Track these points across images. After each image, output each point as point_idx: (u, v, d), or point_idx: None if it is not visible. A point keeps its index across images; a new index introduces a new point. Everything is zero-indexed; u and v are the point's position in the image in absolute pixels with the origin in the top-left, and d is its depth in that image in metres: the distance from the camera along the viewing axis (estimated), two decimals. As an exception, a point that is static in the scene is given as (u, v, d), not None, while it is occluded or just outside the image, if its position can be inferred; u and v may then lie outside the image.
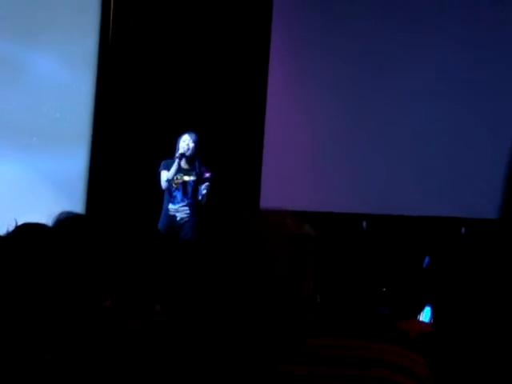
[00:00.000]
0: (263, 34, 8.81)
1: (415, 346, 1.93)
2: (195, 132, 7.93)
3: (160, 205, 7.95)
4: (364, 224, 8.30)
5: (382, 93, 8.49)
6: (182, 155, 7.76)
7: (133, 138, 8.80)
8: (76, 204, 8.51)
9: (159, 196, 8.00)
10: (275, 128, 8.81)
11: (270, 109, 8.80)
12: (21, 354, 2.24)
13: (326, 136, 8.70)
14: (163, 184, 7.84)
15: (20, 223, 2.71)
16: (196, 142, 7.81)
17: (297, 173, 8.73)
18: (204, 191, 7.80)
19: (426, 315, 2.60)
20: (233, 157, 8.79)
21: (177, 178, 7.82)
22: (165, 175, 7.83)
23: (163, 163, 7.91)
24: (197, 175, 7.83)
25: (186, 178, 7.82)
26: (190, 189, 7.82)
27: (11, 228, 2.66)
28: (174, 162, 7.79)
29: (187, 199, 7.83)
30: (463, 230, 7.82)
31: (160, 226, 7.75)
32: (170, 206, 7.86)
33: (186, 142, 7.80)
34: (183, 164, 7.84)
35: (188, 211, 7.80)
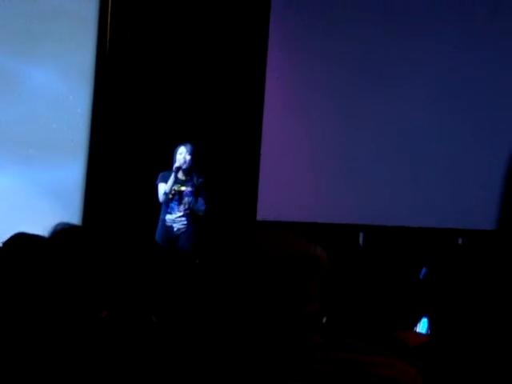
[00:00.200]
0: (260, 41, 8.82)
1: (413, 357, 1.93)
2: (192, 142, 7.93)
3: (157, 216, 7.95)
4: (361, 235, 8.29)
5: (380, 101, 8.48)
6: (179, 168, 7.77)
7: (130, 148, 8.80)
8: (73, 215, 8.50)
9: (156, 207, 8.00)
10: (272, 137, 8.80)
11: (267, 117, 8.80)
12: (17, 366, 2.23)
13: (323, 145, 8.70)
14: (161, 197, 7.84)
15: (15, 233, 2.71)
16: (192, 154, 7.82)
17: (293, 182, 8.73)
18: (203, 207, 7.81)
19: (422, 326, 2.60)
20: (230, 166, 8.79)
21: (174, 189, 7.82)
22: (162, 188, 7.84)
23: (161, 175, 7.92)
24: (194, 185, 7.83)
25: (183, 188, 7.82)
26: (186, 199, 7.83)
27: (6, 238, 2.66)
28: (171, 174, 7.80)
29: (184, 210, 7.83)
30: (460, 241, 7.82)
31: (157, 237, 7.75)
32: (167, 217, 7.86)
33: (182, 155, 7.80)
34: (180, 175, 7.84)
35: (185, 222, 7.80)
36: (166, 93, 8.88)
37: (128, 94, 8.84)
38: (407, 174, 8.42)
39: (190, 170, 7.84)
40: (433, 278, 1.88)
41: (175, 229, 7.80)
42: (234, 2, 8.86)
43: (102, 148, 8.79)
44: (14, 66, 8.85)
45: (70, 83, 8.90)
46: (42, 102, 8.85)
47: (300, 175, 8.72)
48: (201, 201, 7.88)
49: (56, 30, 8.81)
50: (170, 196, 7.82)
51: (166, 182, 7.84)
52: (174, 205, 7.83)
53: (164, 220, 7.87)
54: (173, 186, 7.80)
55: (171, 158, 7.90)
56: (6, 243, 2.63)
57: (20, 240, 2.53)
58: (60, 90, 8.89)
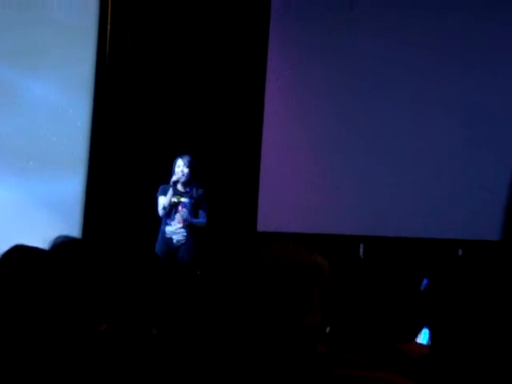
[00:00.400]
0: (260, 50, 8.82)
1: (415, 369, 1.92)
2: (191, 153, 7.93)
3: (157, 227, 7.95)
4: (361, 246, 8.28)
5: (380, 107, 8.46)
6: (176, 182, 7.77)
7: (129, 160, 8.81)
8: (72, 227, 8.49)
9: (156, 219, 8.00)
10: (272, 147, 8.80)
11: (266, 127, 8.79)
12: (17, 379, 2.22)
13: (322, 155, 8.68)
14: (160, 212, 7.85)
15: (14, 245, 2.70)
16: (190, 166, 7.81)
17: (293, 193, 8.71)
18: (203, 220, 7.81)
19: (423, 337, 2.59)
20: (229, 176, 8.79)
21: (173, 201, 7.82)
22: (162, 201, 7.84)
23: (161, 188, 7.92)
24: (193, 197, 7.83)
25: (182, 199, 7.82)
26: (186, 210, 7.82)
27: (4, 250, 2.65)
28: (170, 186, 7.81)
29: (183, 222, 7.82)
30: (460, 252, 7.81)
31: (157, 249, 7.75)
32: (167, 229, 7.86)
33: (180, 168, 7.80)
34: (179, 187, 7.84)
35: (185, 233, 7.80)
36: (165, 103, 8.89)
37: (127, 105, 8.85)
38: (408, 183, 8.40)
39: (189, 181, 7.84)
40: (434, 289, 1.87)
41: (175, 240, 7.80)
42: (234, 5, 8.87)
43: (101, 160, 8.79)
44: (13, 77, 8.85)
45: (70, 95, 8.91)
46: (41, 114, 8.85)
47: (300, 186, 8.71)
48: (201, 213, 7.88)
49: (55, 42, 8.82)
50: (169, 209, 7.82)
51: (165, 194, 7.84)
52: (173, 217, 7.83)
53: (164, 232, 7.87)
54: (171, 199, 7.81)
55: (171, 170, 7.91)
56: (4, 255, 2.62)
57: (19, 252, 2.52)
58: (59, 102, 8.90)
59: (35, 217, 8.27)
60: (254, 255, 1.89)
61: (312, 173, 8.71)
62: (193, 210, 7.86)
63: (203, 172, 8.17)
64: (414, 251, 7.94)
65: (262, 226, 8.72)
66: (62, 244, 2.53)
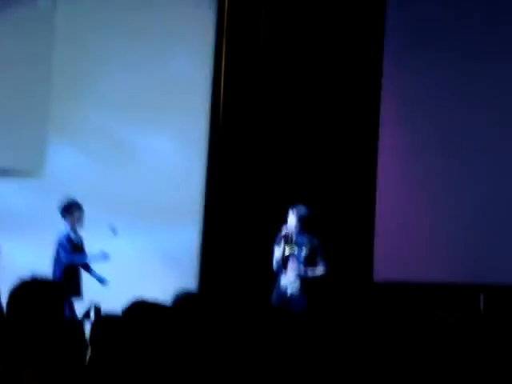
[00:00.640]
0: (372, 102, 8.80)
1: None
2: (304, 203, 7.90)
3: (274, 279, 7.91)
4: (481, 297, 8.03)
5: (503, 152, 8.30)
6: (287, 234, 7.74)
7: (245, 212, 8.87)
8: (189, 280, 8.59)
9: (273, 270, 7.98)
10: (387, 196, 8.70)
11: (381, 175, 8.71)
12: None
13: (438, 201, 8.53)
14: (274, 264, 7.84)
15: (136, 299, 2.75)
16: (301, 218, 7.75)
17: (409, 241, 8.58)
18: (319, 271, 7.75)
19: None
20: (344, 226, 8.73)
21: (286, 254, 7.80)
22: (276, 252, 7.83)
23: (277, 239, 7.90)
24: (307, 248, 7.77)
25: (295, 251, 7.78)
26: (298, 262, 7.77)
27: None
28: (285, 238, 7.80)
29: (297, 273, 7.77)
30: None
31: (273, 300, 7.72)
32: (282, 281, 7.83)
33: (291, 220, 7.77)
34: (291, 239, 7.80)
35: (298, 285, 7.73)
36: (279, 155, 8.94)
37: (241, 159, 8.95)
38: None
39: (301, 233, 7.78)
40: None
41: (288, 293, 7.76)
42: (347, 45, 8.89)
43: (217, 213, 8.90)
44: (130, 133, 9.10)
45: (185, 150, 9.09)
46: (158, 170, 9.05)
47: (415, 233, 8.58)
48: (319, 263, 7.79)
49: (171, 99, 9.04)
50: (282, 261, 7.80)
51: (279, 246, 7.83)
52: (287, 269, 7.81)
53: (279, 283, 7.85)
54: (283, 251, 7.79)
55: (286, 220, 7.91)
56: (126, 311, 2.67)
57: (140, 308, 2.56)
58: (176, 159, 9.08)
59: (153, 268, 8.41)
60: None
61: (428, 219, 8.57)
62: (307, 261, 7.79)
63: (317, 221, 8.13)
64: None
65: (378, 276, 8.61)
66: (183, 299, 2.56)
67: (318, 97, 8.99)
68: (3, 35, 8.63)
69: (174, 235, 8.48)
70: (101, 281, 7.82)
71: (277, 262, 7.81)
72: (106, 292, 7.77)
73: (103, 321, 2.48)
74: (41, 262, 8.20)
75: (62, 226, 7.82)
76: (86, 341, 2.57)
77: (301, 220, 7.75)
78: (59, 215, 7.82)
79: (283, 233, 7.77)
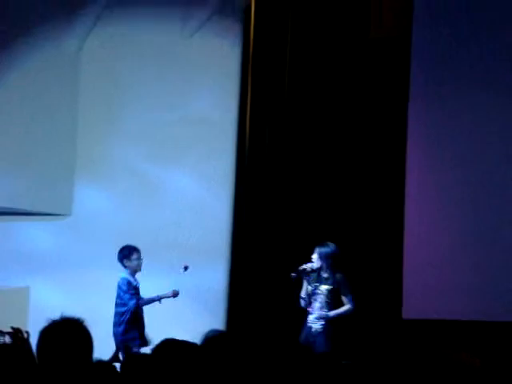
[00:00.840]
0: (399, 139, 8.79)
1: None
2: (333, 241, 7.86)
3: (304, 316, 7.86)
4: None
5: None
6: (308, 272, 7.70)
7: (272, 251, 8.85)
8: (217, 318, 8.57)
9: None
10: (415, 231, 8.63)
11: (409, 212, 8.65)
12: None
13: (468, 234, 8.45)
14: (301, 302, 7.81)
15: (164, 338, 2.74)
16: (326, 255, 7.71)
17: (438, 278, 8.50)
18: (342, 310, 7.69)
19: None
20: (373, 263, 8.68)
21: (311, 291, 7.75)
22: (302, 291, 7.81)
23: (301, 274, 7.87)
24: (331, 284, 7.71)
25: (319, 288, 7.74)
26: (323, 299, 7.72)
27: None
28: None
29: (322, 310, 7.71)
30: None
31: (301, 339, 7.67)
32: (309, 317, 7.78)
33: (315, 258, 7.74)
34: (315, 276, 7.77)
35: (322, 322, 7.67)
36: (306, 195, 8.94)
37: (268, 199, 8.95)
38: None
39: (327, 270, 7.73)
40: None
41: (313, 329, 7.71)
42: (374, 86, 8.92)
43: (244, 253, 8.89)
44: (156, 173, 9.15)
45: (212, 188, 9.12)
46: (183, 207, 9.07)
47: (444, 270, 8.50)
48: (345, 300, 7.73)
49: (197, 138, 9.09)
50: (307, 299, 7.76)
51: (308, 280, 7.80)
52: (313, 306, 7.77)
53: (306, 321, 7.80)
54: (307, 288, 7.75)
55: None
56: (155, 349, 2.66)
57: (170, 347, 2.56)
58: (201, 195, 9.11)
59: (181, 307, 8.38)
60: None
61: (459, 256, 8.49)
62: (331, 299, 7.72)
63: (346, 259, 8.09)
64: None
65: (407, 314, 8.53)
66: (212, 338, 2.55)
67: (344, 135, 9.00)
68: (30, 81, 8.73)
69: (202, 275, 8.47)
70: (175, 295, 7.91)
71: (302, 302, 7.77)
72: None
73: (134, 358, 2.47)
74: (69, 302, 8.23)
75: (122, 273, 7.86)
76: (116, 381, 2.56)
77: (325, 257, 7.71)
78: (119, 263, 7.87)
79: (307, 270, 7.73)
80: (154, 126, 9.12)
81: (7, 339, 4.08)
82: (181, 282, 8.15)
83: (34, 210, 8.94)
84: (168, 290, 7.88)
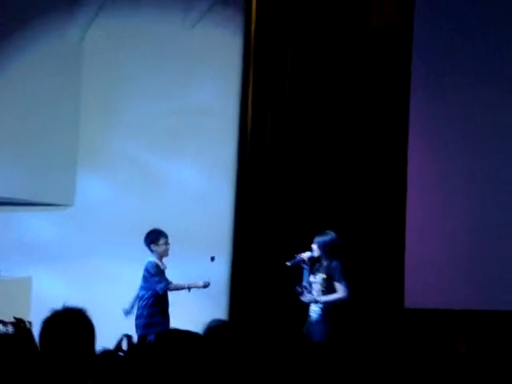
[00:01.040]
0: (401, 126, 8.79)
1: None
2: (335, 230, 7.86)
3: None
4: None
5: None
6: (304, 261, 7.71)
7: (275, 240, 8.86)
8: (220, 309, 8.59)
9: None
10: (418, 221, 8.64)
11: (411, 201, 8.67)
12: None
13: (472, 226, 8.45)
14: (296, 289, 7.82)
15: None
16: (323, 244, 7.71)
17: (441, 267, 8.51)
18: (334, 297, 7.65)
19: None
20: (375, 252, 8.69)
21: (309, 280, 7.77)
22: (304, 278, 7.82)
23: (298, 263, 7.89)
24: (325, 273, 7.71)
25: (315, 277, 7.74)
26: (319, 288, 7.73)
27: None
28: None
29: (314, 300, 7.71)
30: None
31: (304, 328, 7.68)
32: (310, 308, 7.80)
33: (314, 247, 7.74)
34: (322, 262, 7.77)
35: (318, 312, 7.67)
36: (308, 183, 8.95)
37: (270, 188, 8.96)
38: None
39: (325, 258, 7.74)
40: None
41: (311, 318, 7.72)
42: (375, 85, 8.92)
43: (246, 243, 8.90)
44: (158, 163, 9.16)
45: (213, 178, 9.13)
46: (185, 196, 9.09)
47: (447, 260, 8.51)
48: (338, 288, 7.68)
49: (199, 129, 9.09)
50: (305, 289, 7.76)
51: (309, 271, 7.81)
52: (312, 294, 7.78)
53: (308, 311, 7.82)
54: (307, 278, 7.76)
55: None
56: (158, 339, 2.67)
57: (172, 336, 2.57)
58: (203, 185, 9.12)
59: (183, 298, 8.39)
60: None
61: (461, 246, 8.50)
62: (326, 286, 7.71)
63: (348, 248, 8.10)
64: None
65: (409, 303, 8.54)
66: (214, 328, 2.56)
67: (345, 126, 8.99)
68: (32, 71, 8.74)
69: (204, 264, 8.47)
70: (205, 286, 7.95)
71: (298, 288, 7.77)
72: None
73: (136, 348, 2.48)
74: (71, 292, 8.25)
75: (150, 257, 7.86)
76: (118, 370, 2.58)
77: (323, 246, 7.71)
78: (146, 247, 7.87)
79: (303, 259, 7.74)
80: (156, 116, 9.13)
81: (10, 329, 4.10)
82: (183, 271, 8.17)
83: (37, 200, 8.96)
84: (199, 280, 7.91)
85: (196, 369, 2.38)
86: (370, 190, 8.88)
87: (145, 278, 7.81)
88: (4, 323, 4.34)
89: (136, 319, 7.76)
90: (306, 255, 7.73)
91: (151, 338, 7.21)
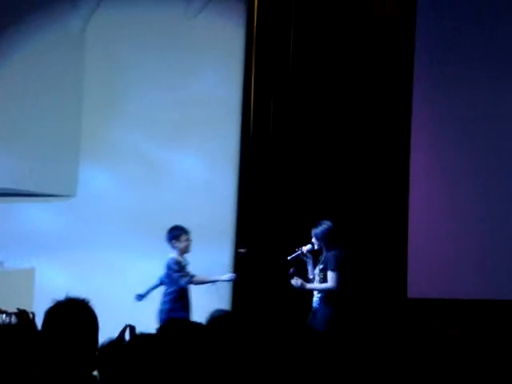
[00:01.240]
0: (403, 120, 8.78)
1: None
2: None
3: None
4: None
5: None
6: (303, 254, 7.73)
7: (278, 230, 8.87)
8: (222, 299, 8.59)
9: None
10: (420, 211, 8.64)
11: (414, 191, 8.66)
12: None
13: (471, 218, 8.47)
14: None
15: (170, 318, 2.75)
16: (320, 235, 7.70)
17: (443, 258, 8.52)
18: (323, 286, 7.65)
19: None
20: (378, 243, 8.70)
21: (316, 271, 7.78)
22: (309, 271, 7.85)
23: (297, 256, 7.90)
24: (322, 263, 7.72)
25: (317, 268, 7.75)
26: (318, 279, 7.74)
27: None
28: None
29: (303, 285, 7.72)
30: None
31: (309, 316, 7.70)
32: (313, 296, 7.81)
33: (312, 239, 7.74)
34: (310, 256, 7.79)
35: (317, 301, 7.68)
36: (311, 173, 8.95)
37: (273, 177, 8.96)
38: None
39: (324, 248, 7.74)
40: None
41: (313, 307, 7.74)
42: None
43: (249, 232, 8.90)
44: (161, 154, 9.16)
45: (216, 168, 9.12)
46: (189, 186, 9.09)
47: (450, 250, 8.52)
48: (329, 277, 7.65)
49: (202, 119, 9.09)
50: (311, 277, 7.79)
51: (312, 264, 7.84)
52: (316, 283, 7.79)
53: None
54: (312, 271, 7.77)
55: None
56: (161, 329, 2.68)
57: (175, 326, 2.57)
58: (206, 175, 9.12)
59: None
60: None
61: (464, 235, 8.51)
62: (324, 276, 7.71)
63: (351, 238, 8.10)
64: None
65: (412, 293, 8.55)
66: (218, 318, 2.57)
67: (348, 116, 8.99)
68: (34, 62, 8.73)
69: (206, 254, 8.48)
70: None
71: (291, 270, 7.78)
72: (139, 312, 7.80)
73: (139, 338, 2.49)
74: (74, 283, 8.26)
75: (171, 254, 7.89)
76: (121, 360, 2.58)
77: (321, 237, 7.70)
78: (168, 243, 7.90)
79: (304, 252, 7.74)
80: (159, 106, 9.12)
81: (13, 320, 4.11)
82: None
83: (39, 191, 8.96)
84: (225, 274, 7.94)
85: (199, 358, 2.38)
86: (374, 178, 8.88)
87: (167, 275, 7.84)
88: (7, 314, 4.35)
89: (159, 314, 7.76)
90: (305, 248, 7.74)
91: None
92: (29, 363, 2.69)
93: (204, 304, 7.18)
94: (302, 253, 7.73)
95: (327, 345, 2.71)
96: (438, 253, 8.56)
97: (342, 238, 7.80)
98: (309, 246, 7.74)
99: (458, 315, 7.87)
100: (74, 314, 2.98)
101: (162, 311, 7.77)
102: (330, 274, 7.61)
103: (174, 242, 7.88)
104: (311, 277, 7.78)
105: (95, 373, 2.88)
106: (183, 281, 7.76)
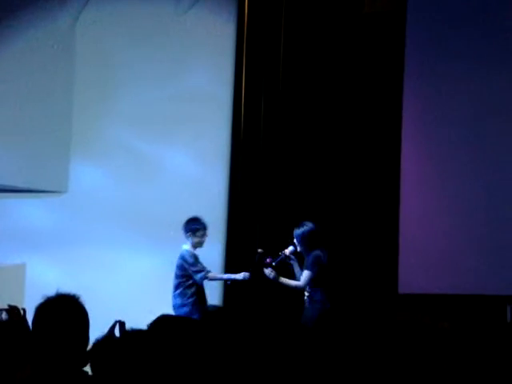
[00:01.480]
0: (394, 112, 8.80)
1: None
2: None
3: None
4: (508, 309, 7.98)
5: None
6: (286, 257, 7.74)
7: (269, 228, 8.88)
8: (214, 293, 8.59)
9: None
10: (411, 206, 8.66)
11: (404, 187, 8.68)
12: None
13: (462, 213, 8.49)
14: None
15: (161, 314, 2.76)
16: (300, 236, 7.68)
17: (434, 254, 8.54)
18: (293, 283, 7.66)
19: None
20: (369, 239, 8.72)
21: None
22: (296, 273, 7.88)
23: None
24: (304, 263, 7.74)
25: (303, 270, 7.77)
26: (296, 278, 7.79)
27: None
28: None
29: (305, 290, 7.74)
30: None
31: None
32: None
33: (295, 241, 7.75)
34: (293, 257, 7.81)
35: (308, 299, 7.70)
36: (302, 169, 8.96)
37: (264, 174, 8.97)
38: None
39: (304, 249, 7.73)
40: None
41: (305, 304, 7.75)
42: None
43: (239, 229, 8.91)
44: (152, 150, 9.15)
45: (207, 165, 9.12)
46: (180, 185, 9.08)
47: (440, 245, 8.54)
48: (303, 275, 7.66)
49: (193, 115, 9.08)
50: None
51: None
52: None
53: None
54: (299, 273, 7.78)
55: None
56: (151, 325, 2.68)
57: (166, 322, 2.58)
58: (197, 174, 9.11)
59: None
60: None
61: (454, 231, 8.53)
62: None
63: (342, 235, 8.11)
64: None
65: (403, 289, 8.57)
66: (209, 313, 2.58)
67: (338, 112, 9.01)
68: (24, 59, 8.71)
69: (198, 250, 8.48)
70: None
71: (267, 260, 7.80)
72: (128, 309, 7.79)
73: (130, 335, 2.49)
74: (65, 279, 8.26)
75: (185, 245, 7.87)
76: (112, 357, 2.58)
77: (301, 239, 7.69)
78: (184, 233, 7.87)
79: (286, 255, 7.75)
80: (149, 103, 9.11)
81: (4, 316, 4.11)
82: (175, 259, 8.17)
83: (30, 187, 8.95)
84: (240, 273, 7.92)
85: (190, 355, 2.39)
86: (364, 175, 8.90)
87: (181, 267, 7.79)
88: (-2, 310, 4.34)
89: (173, 308, 7.70)
90: (287, 251, 7.75)
91: None
92: (19, 359, 2.69)
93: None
94: (286, 256, 7.75)
95: (318, 340, 2.72)
96: (430, 248, 8.58)
97: (324, 239, 7.80)
98: (291, 248, 7.75)
99: (448, 310, 7.90)
100: (65, 310, 2.98)
101: (175, 306, 7.66)
102: (304, 273, 7.62)
103: (189, 234, 7.86)
104: (297, 278, 7.79)
105: (87, 368, 2.88)
106: (198, 276, 7.74)
